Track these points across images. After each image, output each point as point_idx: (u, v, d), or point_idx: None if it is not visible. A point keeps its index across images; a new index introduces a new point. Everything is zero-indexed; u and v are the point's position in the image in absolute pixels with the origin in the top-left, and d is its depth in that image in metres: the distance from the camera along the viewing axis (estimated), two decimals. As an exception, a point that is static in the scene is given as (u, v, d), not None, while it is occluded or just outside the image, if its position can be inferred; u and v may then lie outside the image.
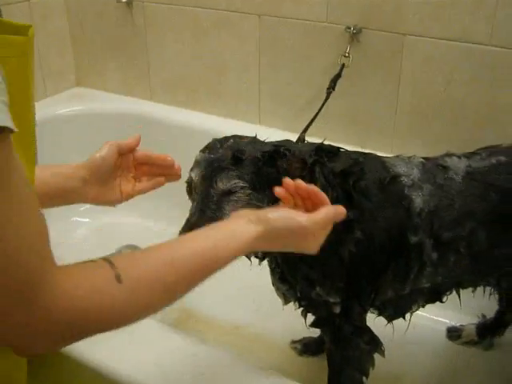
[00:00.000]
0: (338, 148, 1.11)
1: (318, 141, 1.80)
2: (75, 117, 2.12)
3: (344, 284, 1.09)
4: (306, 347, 1.54)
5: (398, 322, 1.24)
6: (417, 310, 1.23)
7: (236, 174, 0.96)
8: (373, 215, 1.07)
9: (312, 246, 0.84)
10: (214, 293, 1.05)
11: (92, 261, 0.63)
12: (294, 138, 1.84)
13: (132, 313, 0.65)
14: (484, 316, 1.57)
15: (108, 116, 2.13)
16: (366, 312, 1.16)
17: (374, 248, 1.07)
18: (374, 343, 1.17)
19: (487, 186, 1.11)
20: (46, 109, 2.06)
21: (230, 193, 0.96)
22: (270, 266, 1.15)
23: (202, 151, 1.03)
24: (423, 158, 1.17)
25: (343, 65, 1.68)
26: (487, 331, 1.56)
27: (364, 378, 1.19)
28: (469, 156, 1.17)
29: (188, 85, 2.08)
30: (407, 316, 1.23)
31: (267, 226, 0.79)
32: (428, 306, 1.29)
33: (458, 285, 1.23)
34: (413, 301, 1.20)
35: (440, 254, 1.11)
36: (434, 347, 1.60)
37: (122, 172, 0.99)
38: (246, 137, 1.06)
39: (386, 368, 1.49)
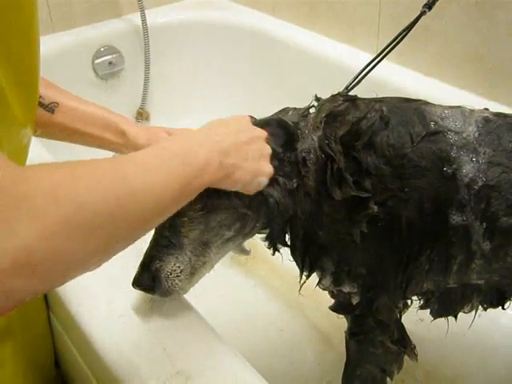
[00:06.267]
0: (349, 100, 0.84)
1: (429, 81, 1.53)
2: (191, 26, 2.03)
3: (366, 271, 0.85)
4: None
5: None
6: (471, 311, 0.93)
7: None
8: (396, 184, 0.79)
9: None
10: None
11: None
12: (412, 75, 1.55)
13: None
14: None
15: (226, 28, 2.02)
16: (396, 307, 0.90)
17: (399, 227, 0.81)
18: (404, 344, 0.92)
19: None
20: (164, 14, 2.03)
21: (179, 215, 0.76)
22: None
23: None
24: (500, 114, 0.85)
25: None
26: None
27: (387, 379, 0.95)
28: None
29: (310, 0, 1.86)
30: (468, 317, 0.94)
31: None
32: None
33: None
34: (465, 299, 0.91)
35: (495, 245, 0.81)
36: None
37: None
38: None
39: (448, 374, 1.25)
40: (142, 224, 0.59)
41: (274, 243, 0.88)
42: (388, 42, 1.30)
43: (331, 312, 0.97)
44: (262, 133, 0.78)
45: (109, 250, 0.56)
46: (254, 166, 0.74)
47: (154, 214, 0.60)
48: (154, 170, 0.60)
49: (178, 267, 0.78)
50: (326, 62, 1.72)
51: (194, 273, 0.80)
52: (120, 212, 0.54)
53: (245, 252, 0.94)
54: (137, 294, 0.84)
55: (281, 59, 1.89)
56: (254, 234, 0.86)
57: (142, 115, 2.00)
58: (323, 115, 0.82)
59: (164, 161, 0.63)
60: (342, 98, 0.85)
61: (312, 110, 0.86)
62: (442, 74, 1.50)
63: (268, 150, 0.77)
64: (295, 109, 0.86)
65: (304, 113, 0.85)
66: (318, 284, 0.90)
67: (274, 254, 0.90)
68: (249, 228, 0.82)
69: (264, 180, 0.77)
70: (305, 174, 0.80)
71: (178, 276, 0.78)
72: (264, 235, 0.88)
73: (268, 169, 0.77)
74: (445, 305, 0.92)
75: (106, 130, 0.95)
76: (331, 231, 0.82)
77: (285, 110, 0.87)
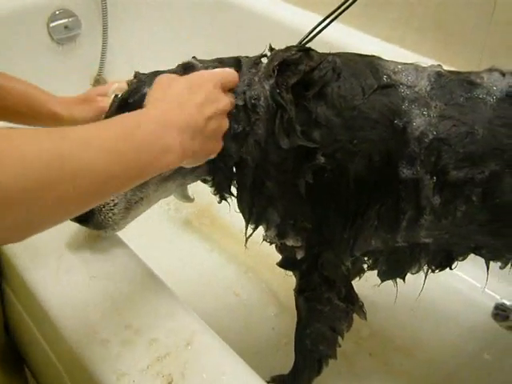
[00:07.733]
0: (303, 50, 0.83)
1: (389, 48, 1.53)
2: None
3: (310, 224, 0.84)
4: None
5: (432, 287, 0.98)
6: (418, 271, 0.93)
7: None
8: (345, 135, 0.79)
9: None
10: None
11: None
12: (372, 40, 1.55)
13: None
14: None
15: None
16: (342, 263, 0.90)
17: (347, 180, 0.80)
18: (351, 301, 0.93)
19: None
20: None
21: None
22: None
23: None
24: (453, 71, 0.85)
25: None
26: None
27: (338, 338, 0.96)
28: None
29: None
30: (421, 279, 0.94)
31: None
32: (479, 273, 1.00)
33: (477, 250, 0.90)
34: (413, 259, 0.91)
35: (444, 200, 0.81)
36: (471, 324, 1.29)
37: None
38: None
39: (401, 340, 1.28)
40: (76, 204, 0.55)
41: (219, 191, 0.87)
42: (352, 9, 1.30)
43: (287, 276, 0.97)
44: (228, 105, 0.74)
45: (34, 226, 0.52)
46: (209, 146, 0.73)
47: (91, 195, 0.56)
48: (96, 150, 0.55)
49: (112, 200, 0.78)
50: (286, 28, 1.70)
51: (129, 208, 0.80)
52: (45, 193, 0.50)
53: (188, 199, 0.94)
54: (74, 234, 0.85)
55: (242, 27, 1.86)
56: (196, 178, 0.85)
57: (99, 82, 1.96)
58: (276, 63, 0.81)
59: (111, 142, 0.57)
60: (295, 49, 0.84)
61: (264, 60, 0.85)
62: (401, 39, 1.49)
63: (226, 126, 0.75)
64: (247, 57, 0.85)
65: (256, 60, 0.84)
66: (263, 237, 0.91)
67: (220, 202, 0.89)
68: (189, 167, 0.80)
69: (212, 157, 0.76)
70: (255, 122, 0.79)
71: (111, 209, 0.79)
72: (210, 183, 0.87)
73: (219, 147, 0.75)
74: (393, 265, 0.93)
75: (34, 106, 0.88)
76: (278, 182, 0.82)
77: (237, 59, 0.85)
